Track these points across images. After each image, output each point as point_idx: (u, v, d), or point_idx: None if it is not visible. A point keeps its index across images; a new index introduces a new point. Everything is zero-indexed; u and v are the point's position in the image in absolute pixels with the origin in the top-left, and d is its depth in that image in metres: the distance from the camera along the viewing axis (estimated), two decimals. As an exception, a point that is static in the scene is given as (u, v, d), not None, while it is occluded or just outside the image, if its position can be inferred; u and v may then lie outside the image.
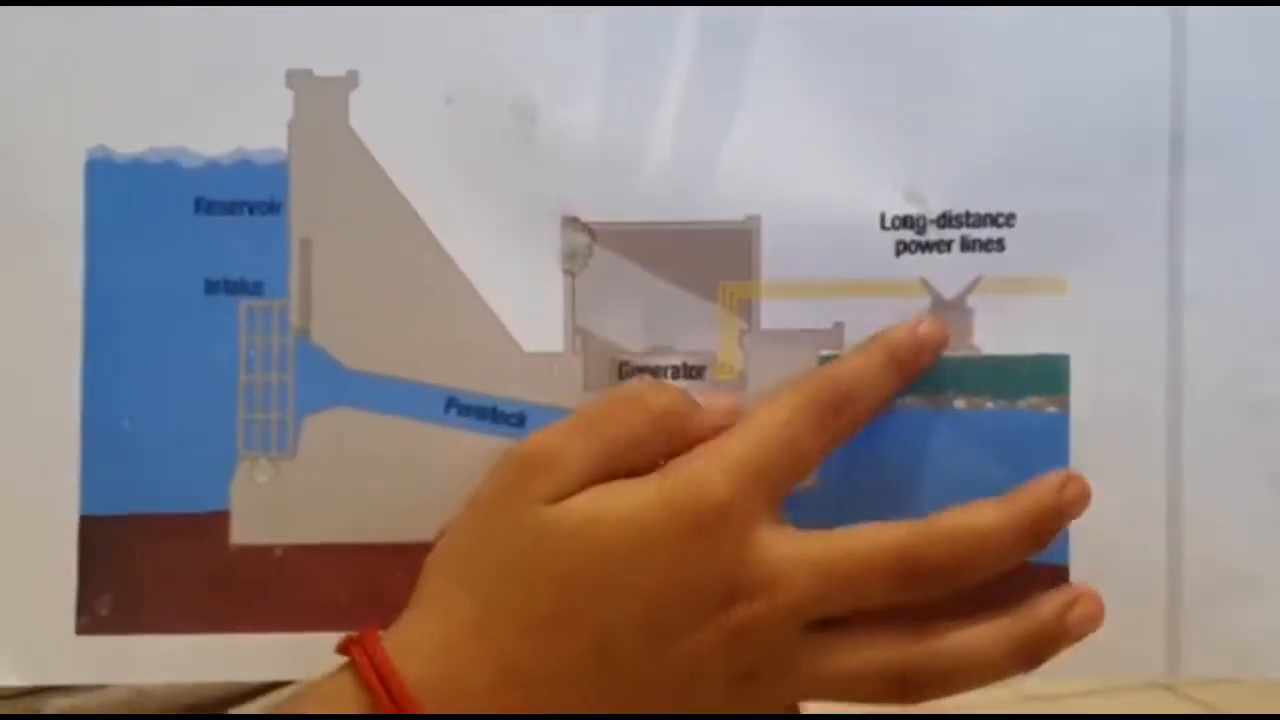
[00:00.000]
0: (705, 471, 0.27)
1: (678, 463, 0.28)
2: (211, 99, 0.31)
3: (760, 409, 0.28)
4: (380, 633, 0.28)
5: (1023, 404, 0.30)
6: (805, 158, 0.30)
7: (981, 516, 0.28)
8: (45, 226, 0.31)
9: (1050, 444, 0.30)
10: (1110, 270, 0.30)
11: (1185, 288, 0.30)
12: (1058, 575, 0.30)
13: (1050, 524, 0.28)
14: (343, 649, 0.28)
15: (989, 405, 0.30)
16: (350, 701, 0.27)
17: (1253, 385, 0.30)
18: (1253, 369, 0.30)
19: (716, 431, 0.28)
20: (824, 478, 0.30)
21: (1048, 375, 0.30)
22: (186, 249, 0.31)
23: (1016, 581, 0.30)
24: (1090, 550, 0.30)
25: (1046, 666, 0.30)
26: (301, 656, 0.30)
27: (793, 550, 0.27)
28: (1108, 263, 0.30)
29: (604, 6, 0.30)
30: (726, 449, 0.27)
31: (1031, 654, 0.28)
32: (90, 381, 0.30)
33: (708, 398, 0.29)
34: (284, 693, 0.27)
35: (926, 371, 0.30)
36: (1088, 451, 0.30)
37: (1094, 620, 0.28)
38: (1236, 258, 0.30)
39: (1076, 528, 0.30)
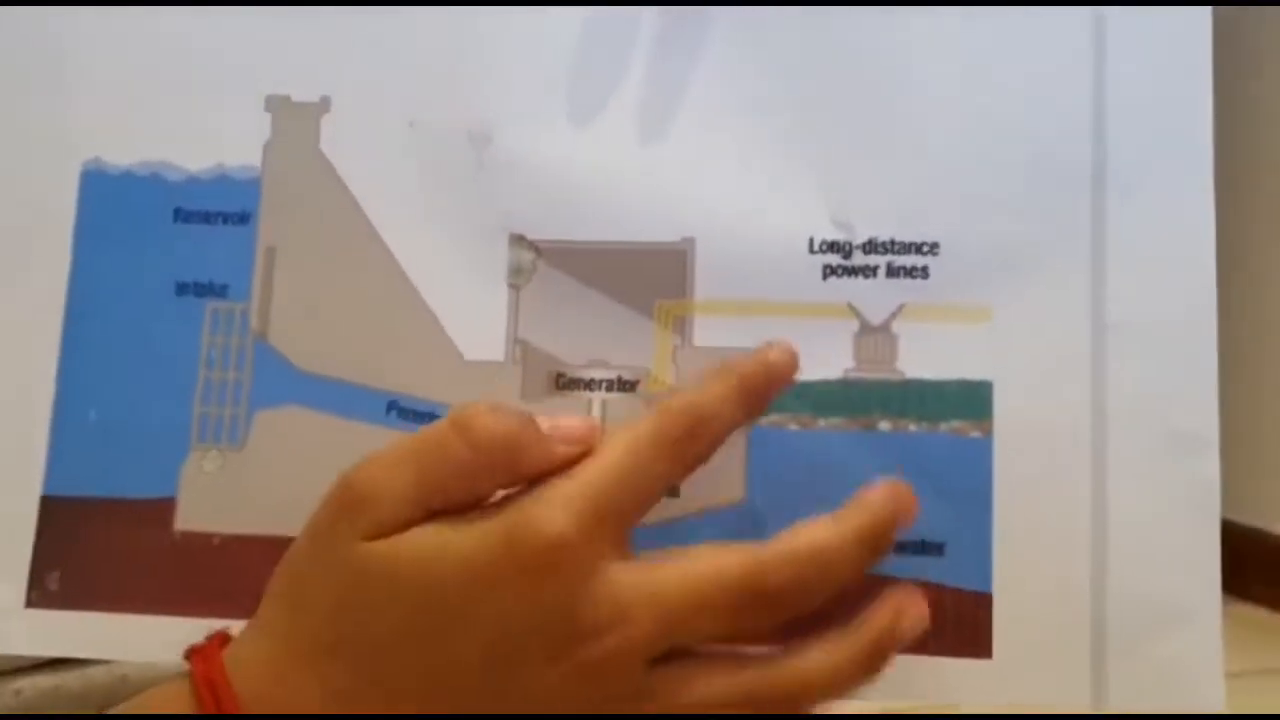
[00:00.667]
0: (546, 508, 0.26)
1: (519, 497, 0.27)
2: (197, 119, 0.33)
3: (610, 439, 0.27)
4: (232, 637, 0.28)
5: (945, 428, 0.31)
6: (738, 183, 0.32)
7: (818, 533, 0.27)
8: (38, 228, 0.33)
9: (973, 468, 0.30)
10: (1034, 298, 0.31)
11: (1109, 317, 0.31)
12: (979, 603, 0.30)
13: (885, 534, 0.28)
14: (187, 654, 0.28)
15: (913, 428, 0.31)
16: (186, 706, 0.26)
17: (1177, 415, 0.30)
18: (1176, 398, 0.30)
19: (567, 461, 0.27)
20: (749, 494, 0.31)
21: (971, 400, 0.31)
22: (163, 254, 0.33)
23: (944, 605, 0.30)
24: (1014, 578, 0.30)
25: (972, 696, 0.30)
26: None
27: (637, 585, 0.26)
28: (1031, 291, 0.31)
29: (558, 34, 0.33)
30: (571, 483, 0.27)
31: (873, 664, 0.27)
32: (65, 372, 0.32)
33: (559, 424, 0.28)
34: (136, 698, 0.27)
35: (772, 400, 0.29)
36: (1010, 476, 0.30)
37: (922, 621, 0.28)
38: (1159, 287, 0.31)
39: (1000, 555, 0.30)
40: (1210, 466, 0.30)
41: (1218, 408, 0.30)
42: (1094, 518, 0.30)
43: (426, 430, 0.27)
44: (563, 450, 0.27)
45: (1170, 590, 0.30)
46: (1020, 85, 0.31)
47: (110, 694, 0.40)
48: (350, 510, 0.27)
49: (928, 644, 0.30)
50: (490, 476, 0.27)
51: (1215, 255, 0.30)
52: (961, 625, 0.30)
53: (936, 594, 0.30)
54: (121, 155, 0.33)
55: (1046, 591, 0.30)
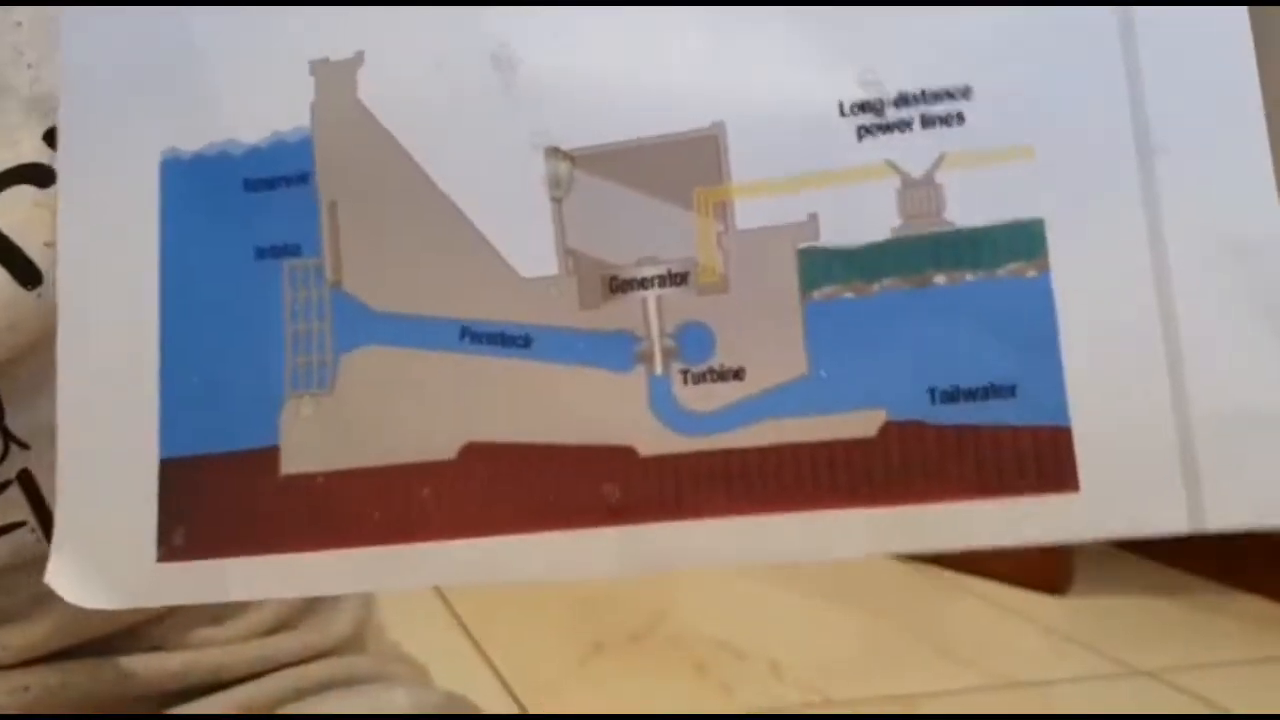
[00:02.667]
0: None
1: None
2: (251, 94, 0.35)
3: None
4: None
5: (1003, 272, 0.30)
6: (760, 58, 0.32)
7: None
8: (129, 218, 0.36)
9: (1036, 308, 0.30)
10: (1074, 130, 0.30)
11: (1153, 139, 0.29)
12: (1059, 436, 0.29)
13: None
14: None
15: (969, 278, 0.30)
16: None
17: (1234, 225, 0.29)
18: (1232, 209, 0.29)
19: None
20: (812, 367, 0.31)
21: (1024, 240, 0.30)
22: (239, 224, 0.35)
23: (1023, 445, 0.29)
24: (1091, 409, 0.29)
25: (1065, 530, 0.29)
26: (343, 570, 0.33)
27: None
28: (1071, 125, 0.30)
29: None
30: None
31: None
32: (166, 345, 0.35)
33: None
34: None
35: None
36: (1075, 311, 0.30)
37: None
38: (1200, 103, 0.29)
39: (1074, 387, 0.30)
40: (1274, 268, 0.28)
41: (1278, 209, 0.28)
42: (1165, 338, 0.29)
43: None
44: None
45: (1253, 396, 0.28)
46: None
47: (117, 690, 0.42)
48: None
49: (1014, 485, 0.29)
50: None
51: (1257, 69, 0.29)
52: (1043, 461, 0.29)
53: (1013, 434, 0.30)
54: (193, 140, 0.36)
55: (1126, 417, 0.29)
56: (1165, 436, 0.29)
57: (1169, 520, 0.29)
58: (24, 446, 0.43)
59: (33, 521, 0.43)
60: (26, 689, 0.45)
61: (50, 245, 0.40)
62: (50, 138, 0.42)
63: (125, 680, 0.46)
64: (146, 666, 0.47)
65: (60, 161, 0.37)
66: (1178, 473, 0.29)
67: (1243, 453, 0.28)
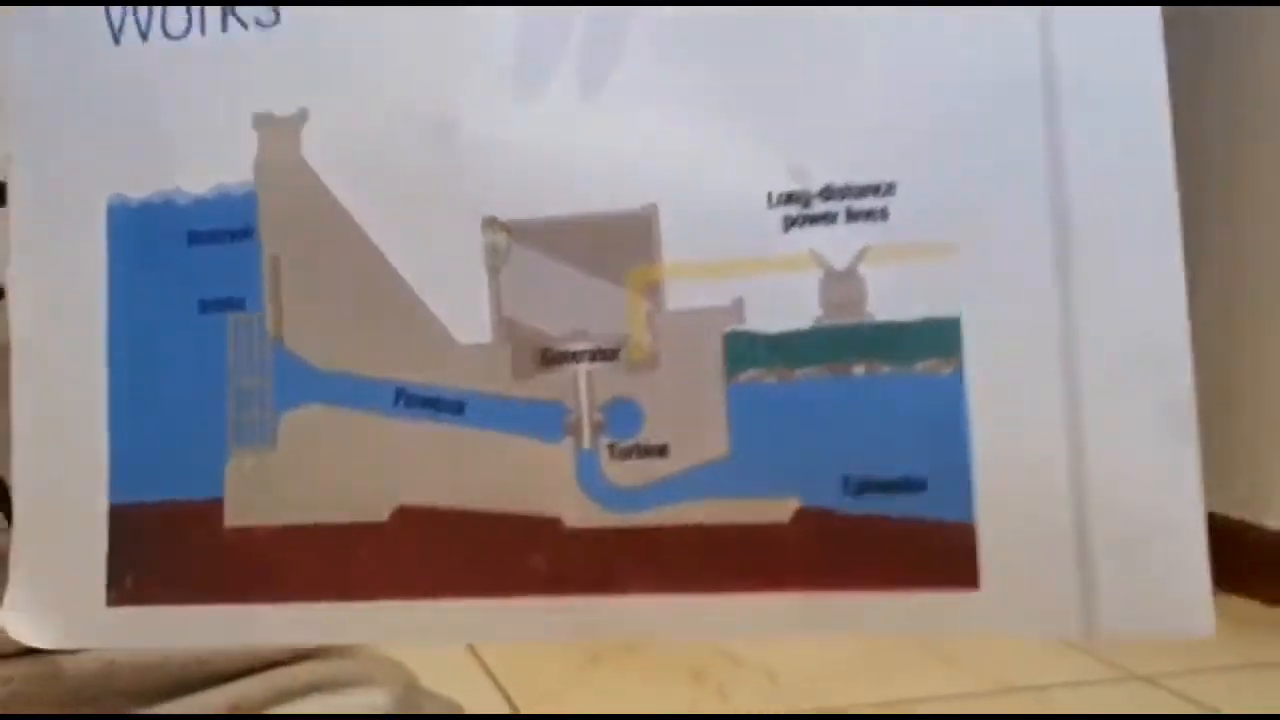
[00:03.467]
0: None
1: None
2: (198, 144, 0.36)
3: None
4: None
5: (919, 367, 0.31)
6: (692, 144, 0.32)
7: None
8: (77, 261, 0.36)
9: (948, 405, 0.31)
10: (995, 230, 0.30)
11: (1072, 242, 0.30)
12: (963, 532, 0.30)
13: None
14: None
15: (886, 370, 0.31)
16: None
17: (1145, 335, 0.29)
18: (1143, 319, 0.29)
19: None
20: (733, 447, 0.32)
21: (940, 338, 0.31)
22: (184, 275, 0.36)
23: (928, 539, 0.30)
24: (995, 507, 0.30)
25: (961, 626, 0.30)
26: (278, 625, 0.34)
27: None
28: (992, 223, 0.30)
29: (506, 18, 0.33)
30: None
31: None
32: (113, 392, 0.36)
33: None
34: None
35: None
36: (985, 410, 0.30)
37: None
38: (1122, 205, 0.30)
39: (981, 485, 0.30)
40: (1182, 380, 0.29)
41: (1187, 325, 0.29)
42: (1070, 440, 0.30)
43: None
44: None
45: (1151, 506, 0.29)
46: (964, 23, 0.30)
47: (103, 685, 0.43)
48: None
49: (917, 578, 0.31)
50: None
51: (1175, 171, 0.29)
52: (947, 557, 0.30)
53: (920, 528, 0.31)
54: (139, 187, 0.36)
55: (1029, 517, 0.30)
56: (1064, 541, 0.30)
57: (1062, 626, 0.30)
58: None
59: (4, 521, 0.45)
60: (9, 680, 0.46)
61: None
62: None
63: (111, 675, 0.47)
64: (133, 662, 0.48)
65: (11, 197, 0.37)
66: (1074, 578, 0.30)
67: (1138, 564, 0.29)
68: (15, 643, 0.47)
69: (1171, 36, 0.29)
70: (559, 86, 0.33)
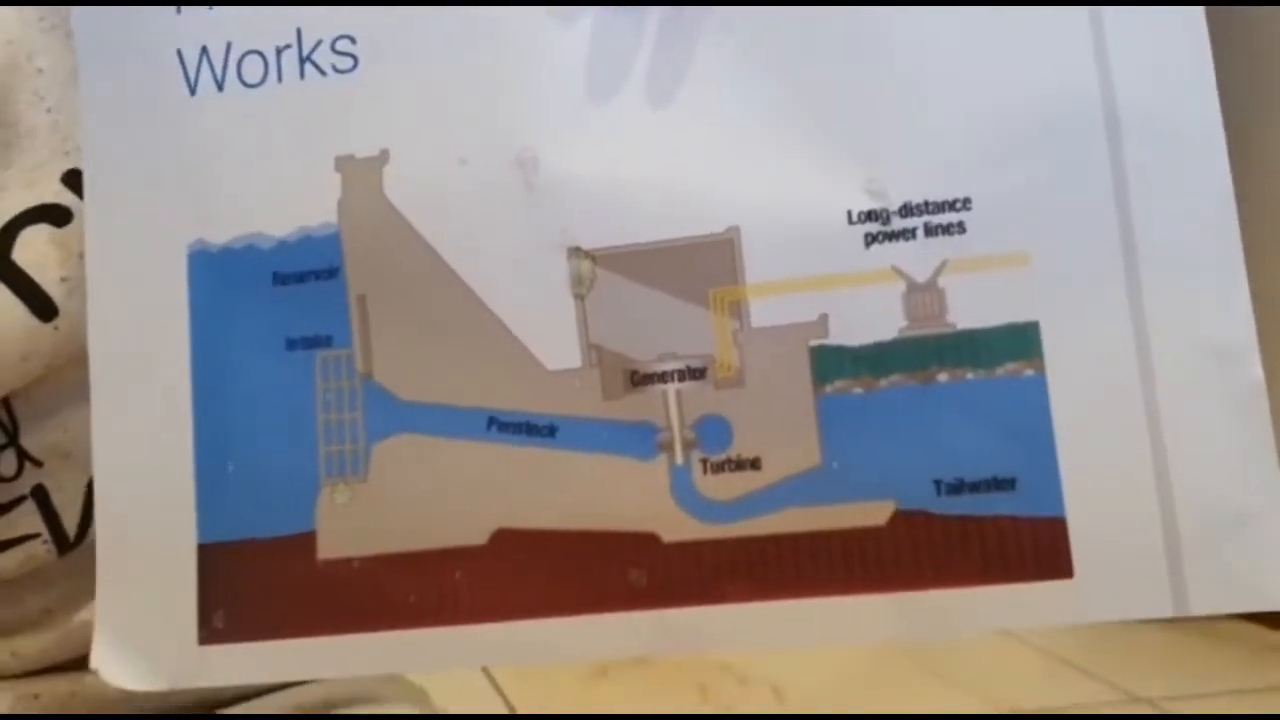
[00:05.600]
0: None
1: None
2: (279, 188, 0.37)
3: None
4: None
5: (1001, 371, 0.32)
6: (772, 167, 0.34)
7: None
8: (159, 309, 0.37)
9: (1031, 405, 0.32)
10: (1066, 237, 0.32)
11: (1137, 244, 0.32)
12: (1055, 527, 0.32)
13: None
14: None
15: (970, 376, 0.33)
16: None
17: (1213, 331, 0.31)
18: (1211, 315, 0.31)
19: None
20: (825, 458, 0.33)
21: (1021, 342, 0.32)
22: (269, 316, 0.36)
23: (1021, 535, 0.32)
24: (1084, 502, 0.32)
25: (1058, 615, 0.32)
26: (378, 654, 0.35)
27: None
28: (1062, 231, 0.32)
29: (576, 49, 0.35)
30: None
31: None
32: (199, 433, 0.36)
33: None
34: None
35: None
36: (1068, 409, 0.32)
37: None
38: (1183, 209, 0.32)
39: (1069, 481, 0.32)
40: (1253, 371, 0.31)
41: (1253, 319, 0.31)
42: (1151, 435, 0.32)
43: None
44: None
45: (1232, 492, 0.31)
46: (1023, 39, 0.33)
47: (125, 698, 0.43)
48: None
49: (1013, 572, 0.32)
50: None
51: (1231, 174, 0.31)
52: (1040, 551, 0.32)
53: (1013, 525, 0.32)
54: (220, 233, 0.37)
55: (1117, 508, 0.32)
56: (1151, 528, 0.31)
57: (1155, 605, 0.31)
58: (37, 464, 0.45)
59: (45, 534, 0.46)
60: (37, 696, 0.47)
61: (65, 280, 0.43)
62: (68, 179, 0.44)
63: (133, 695, 0.48)
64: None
65: (88, 248, 0.38)
66: (1163, 562, 0.31)
67: (1222, 544, 0.31)
68: (44, 658, 0.47)
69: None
70: (641, 114, 0.34)
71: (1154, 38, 0.32)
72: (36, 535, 0.45)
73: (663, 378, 0.34)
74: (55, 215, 0.43)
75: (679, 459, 0.34)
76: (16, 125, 0.43)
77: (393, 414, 0.36)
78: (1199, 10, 0.32)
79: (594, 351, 0.35)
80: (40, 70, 0.43)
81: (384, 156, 0.36)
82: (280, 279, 0.37)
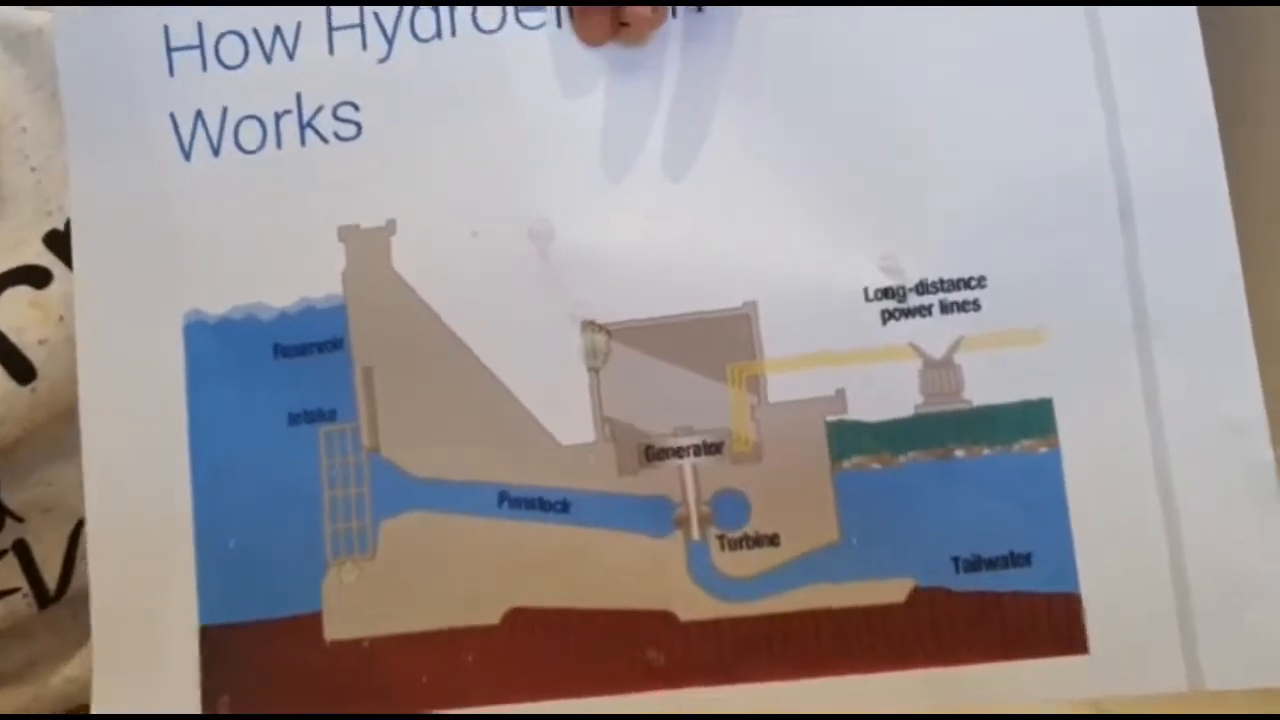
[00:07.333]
0: None
1: None
2: (280, 258, 0.36)
3: None
4: None
5: (1017, 448, 0.33)
6: (790, 244, 0.34)
7: None
8: (153, 379, 0.36)
9: (1046, 482, 0.33)
10: (1080, 314, 0.33)
11: (1150, 322, 0.32)
12: (1070, 602, 0.32)
13: None
14: None
15: (986, 452, 0.33)
16: None
17: (1223, 405, 0.32)
18: (1222, 389, 0.32)
19: None
20: (844, 534, 0.33)
21: (1036, 419, 0.33)
22: (270, 389, 0.36)
23: (1038, 611, 0.32)
24: (1099, 578, 0.32)
25: (1074, 690, 0.32)
26: None
27: None
28: (1077, 308, 0.33)
29: (594, 122, 0.35)
30: None
31: None
32: (198, 509, 0.35)
33: None
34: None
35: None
36: (1082, 485, 0.32)
37: None
38: (1193, 287, 0.32)
39: (1083, 557, 0.32)
40: (1262, 448, 0.32)
41: (1261, 395, 0.32)
42: (1164, 510, 0.32)
43: None
44: None
45: (1245, 568, 0.32)
46: (1036, 121, 0.33)
47: None
48: None
49: (1031, 648, 0.32)
50: None
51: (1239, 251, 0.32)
52: (1056, 626, 0.32)
53: (1029, 601, 0.32)
54: (217, 303, 0.36)
55: (1131, 585, 0.32)
56: (1165, 603, 0.32)
57: (1169, 681, 0.32)
58: (18, 520, 0.44)
59: (26, 588, 0.45)
60: None
61: (44, 343, 0.42)
62: (50, 240, 0.43)
63: None
64: None
65: (79, 317, 0.37)
66: (1177, 637, 0.32)
67: (1237, 619, 0.32)
68: (24, 711, 0.46)
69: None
70: (658, 190, 0.34)
71: (1165, 119, 0.33)
72: (17, 589, 0.45)
73: (678, 453, 0.34)
74: (36, 277, 0.42)
75: (696, 535, 0.34)
76: (1, 186, 0.41)
77: (401, 490, 0.35)
78: (1207, 91, 0.33)
79: (608, 426, 0.34)
80: (24, 130, 0.42)
81: (391, 227, 0.35)
82: (282, 351, 0.36)
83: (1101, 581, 0.32)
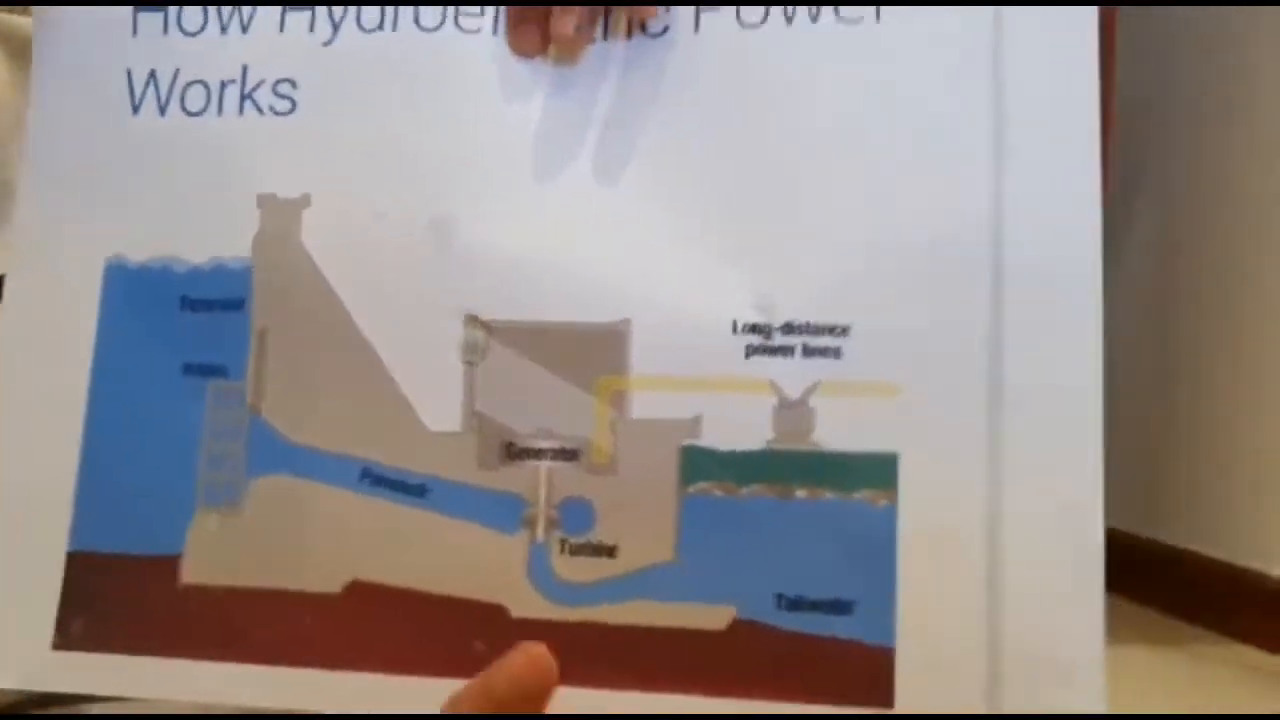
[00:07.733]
0: None
1: None
2: (200, 217, 0.38)
3: None
4: None
5: (857, 496, 0.33)
6: (671, 269, 0.35)
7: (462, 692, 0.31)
8: (69, 315, 0.38)
9: (880, 533, 0.33)
10: (937, 376, 0.33)
11: (1005, 396, 0.33)
12: (883, 656, 0.33)
13: (519, 694, 0.31)
14: None
15: (827, 496, 0.33)
16: None
17: (1065, 486, 0.32)
18: (1065, 471, 0.32)
19: None
20: (679, 554, 0.34)
21: (879, 471, 0.33)
22: (172, 338, 0.37)
23: (850, 659, 0.33)
24: (915, 636, 0.32)
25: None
26: (223, 684, 0.35)
27: None
28: (934, 369, 0.33)
29: (513, 130, 0.36)
30: None
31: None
32: (87, 443, 0.37)
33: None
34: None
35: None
36: (913, 542, 0.33)
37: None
38: (1050, 366, 0.33)
39: (903, 613, 0.33)
40: (1094, 534, 0.32)
41: (1103, 481, 0.32)
42: (989, 580, 0.32)
43: None
44: None
45: (1058, 653, 0.32)
46: (923, 182, 0.34)
47: None
48: None
49: (837, 695, 0.33)
50: None
51: (1103, 341, 0.32)
52: (866, 677, 0.32)
53: (844, 648, 0.33)
54: (139, 251, 0.38)
55: (945, 648, 0.32)
56: (977, 670, 0.32)
57: None
58: None
59: None
60: None
61: None
62: None
63: None
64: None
65: (15, 252, 0.39)
66: (982, 706, 0.32)
67: (1040, 696, 0.32)
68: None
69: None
70: (557, 199, 0.36)
71: (1051, 198, 0.33)
72: None
73: (538, 454, 0.35)
74: None
75: (540, 536, 0.35)
76: (9, 184, 0.44)
77: (275, 451, 0.36)
78: (1096, 175, 0.33)
79: (476, 419, 0.36)
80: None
81: (305, 200, 0.37)
82: (189, 304, 0.38)
83: (917, 640, 0.32)
